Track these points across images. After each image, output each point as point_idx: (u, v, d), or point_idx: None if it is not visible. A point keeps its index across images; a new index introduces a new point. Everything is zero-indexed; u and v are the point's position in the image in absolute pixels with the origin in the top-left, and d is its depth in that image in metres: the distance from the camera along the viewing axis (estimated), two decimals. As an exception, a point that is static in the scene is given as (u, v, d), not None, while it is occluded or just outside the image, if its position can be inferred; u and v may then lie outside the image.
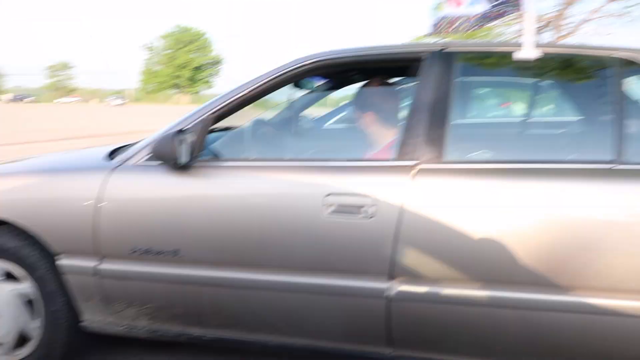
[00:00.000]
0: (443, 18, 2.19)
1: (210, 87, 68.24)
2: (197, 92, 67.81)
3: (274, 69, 1.94)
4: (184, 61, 63.46)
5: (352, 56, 1.96)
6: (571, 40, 18.31)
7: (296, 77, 1.97)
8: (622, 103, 1.65)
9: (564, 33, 18.27)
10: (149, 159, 1.89)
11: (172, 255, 1.83)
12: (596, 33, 18.38)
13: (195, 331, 1.93)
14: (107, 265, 1.90)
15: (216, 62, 68.08)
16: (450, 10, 2.16)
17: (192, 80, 66.22)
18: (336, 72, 2.81)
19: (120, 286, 1.92)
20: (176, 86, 66.34)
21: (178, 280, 1.85)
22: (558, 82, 2.35)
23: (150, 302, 1.91)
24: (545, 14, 17.54)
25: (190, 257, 1.83)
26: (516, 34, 18.51)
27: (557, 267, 1.57)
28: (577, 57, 1.88)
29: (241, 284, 1.81)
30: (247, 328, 1.89)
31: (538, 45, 1.78)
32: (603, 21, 18.29)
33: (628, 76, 1.73)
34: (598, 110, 1.87)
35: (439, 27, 2.20)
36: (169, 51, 64.60)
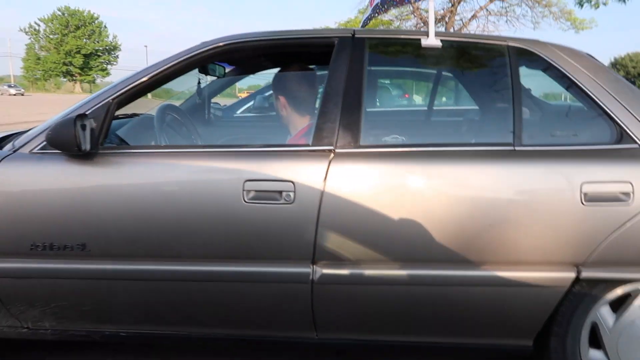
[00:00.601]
0: (367, 18, 2.31)
1: (107, 75, 63.69)
2: (93, 81, 63.01)
3: (182, 52, 1.86)
4: (74, 47, 58.44)
5: (263, 40, 1.93)
6: (463, 35, 19.73)
7: (205, 60, 1.92)
8: (518, 90, 1.79)
9: (454, 29, 19.63)
10: (45, 147, 1.73)
11: (80, 250, 1.70)
12: (483, 30, 20.03)
13: (108, 328, 1.81)
14: (1, 264, 1.72)
15: (113, 49, 63.69)
16: (370, 11, 2.28)
17: (86, 68, 61.27)
18: (245, 57, 2.77)
19: (19, 286, 1.75)
20: (68, 74, 61.04)
21: (87, 275, 1.72)
22: (459, 70, 2.50)
23: (55, 300, 1.76)
24: (437, 11, 18.74)
25: (99, 251, 1.71)
26: (414, 28, 19.57)
27: (468, 243, 1.67)
28: (475, 46, 2.01)
29: (157, 276, 1.72)
30: (166, 321, 1.81)
31: (439, 34, 1.88)
32: (489, 18, 19.98)
33: (521, 64, 1.87)
34: (497, 96, 2.02)
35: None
36: (56, 36, 59.10)
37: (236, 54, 1.98)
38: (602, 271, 1.68)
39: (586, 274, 1.67)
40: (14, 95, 43.25)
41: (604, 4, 9.41)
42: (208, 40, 1.89)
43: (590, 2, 9.52)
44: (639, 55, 59.83)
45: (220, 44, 1.86)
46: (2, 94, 43.46)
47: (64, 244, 1.70)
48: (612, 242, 1.64)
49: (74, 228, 1.69)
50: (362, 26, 2.37)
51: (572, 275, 1.67)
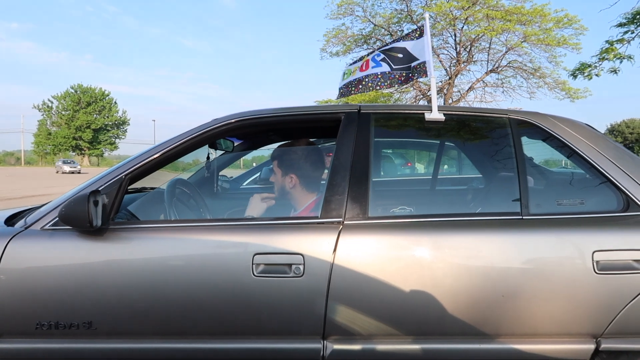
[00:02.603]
0: (352, 81, 2.34)
1: (115, 148, 65.26)
2: (101, 154, 64.50)
3: (193, 129, 1.91)
4: (84, 122, 60.38)
5: (273, 116, 1.99)
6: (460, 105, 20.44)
7: (217, 136, 1.95)
8: (522, 159, 1.83)
9: (452, 100, 20.30)
10: (57, 223, 1.74)
11: (86, 328, 1.67)
12: (481, 100, 20.69)
13: None
14: (5, 345, 1.68)
15: (122, 123, 65.69)
16: (358, 75, 2.32)
17: (95, 142, 62.94)
18: (254, 132, 2.85)
19: None
20: (77, 147, 62.55)
21: (91, 355, 1.68)
22: (463, 141, 2.56)
23: None
24: (437, 83, 19.47)
25: (106, 329, 1.67)
26: (413, 100, 20.22)
27: (482, 315, 1.64)
28: (478, 119, 2.06)
29: (164, 355, 1.68)
30: None
31: (442, 109, 1.95)
32: (486, 90, 20.70)
33: (522, 135, 1.92)
34: (501, 166, 2.05)
35: (348, 90, 2.34)
36: (67, 112, 61.25)
37: (247, 130, 2.03)
38: (623, 342, 1.63)
39: (606, 345, 1.62)
40: (68, 172, 36.53)
41: (597, 75, 9.78)
42: (220, 117, 1.95)
43: (584, 73, 9.91)
44: (634, 122, 61.27)
45: (233, 120, 1.92)
46: (57, 172, 37.88)
47: (70, 322, 1.67)
48: (630, 312, 1.60)
49: (81, 305, 1.67)
50: (345, 86, 2.34)
51: (591, 347, 1.63)
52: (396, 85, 2.31)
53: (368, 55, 2.40)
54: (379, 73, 2.27)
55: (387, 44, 2.33)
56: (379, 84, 2.28)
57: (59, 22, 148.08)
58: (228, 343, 1.67)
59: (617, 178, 1.77)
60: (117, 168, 1.85)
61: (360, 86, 2.30)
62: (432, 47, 2.22)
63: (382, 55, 2.30)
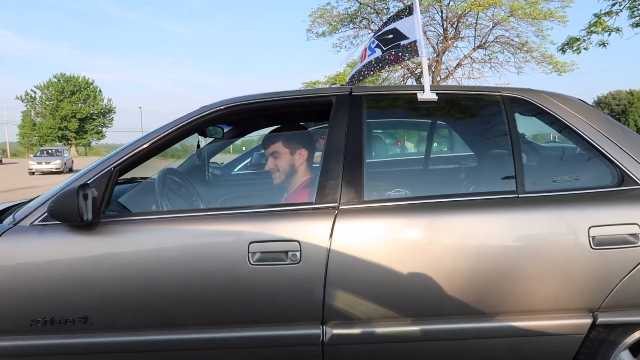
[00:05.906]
0: (354, 74, 2.36)
1: (102, 137, 64.41)
2: (88, 144, 63.67)
3: (182, 117, 1.87)
4: (69, 112, 59.35)
5: (263, 101, 1.95)
6: (449, 82, 20.41)
7: (206, 124, 1.91)
8: (516, 138, 1.81)
9: (440, 77, 20.24)
10: (46, 218, 1.70)
11: (82, 323, 1.65)
12: (469, 77, 20.64)
13: None
14: (0, 343, 1.65)
15: (107, 112, 64.71)
16: (359, 66, 2.34)
17: (82, 132, 62.00)
18: (243, 118, 2.80)
19: None
20: (63, 138, 61.58)
21: (89, 349, 1.66)
22: (456, 121, 2.54)
23: None
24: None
25: (101, 323, 1.66)
26: (401, 78, 20.11)
27: (480, 294, 1.64)
28: (471, 97, 2.04)
29: (162, 346, 1.67)
30: None
31: (435, 88, 1.92)
32: (474, 66, 20.64)
33: (515, 112, 1.90)
34: (496, 145, 2.03)
35: (352, 83, 2.38)
36: (51, 102, 60.11)
37: (237, 116, 1.99)
38: (619, 315, 1.65)
39: (603, 319, 1.64)
40: (40, 173, 21.41)
41: (585, 49, 9.75)
42: (208, 105, 1.91)
43: (572, 48, 9.87)
44: (620, 94, 61.71)
45: (222, 107, 1.87)
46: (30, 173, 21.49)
47: (65, 317, 1.65)
48: (626, 285, 1.62)
49: (76, 300, 1.65)
50: (349, 80, 2.44)
51: (588, 321, 1.64)
52: (387, 67, 2.29)
53: (366, 44, 2.43)
54: (373, 60, 2.29)
55: (379, 30, 2.33)
56: (372, 69, 2.30)
57: (33, 9, 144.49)
58: (226, 332, 1.66)
59: (611, 152, 1.76)
60: (105, 160, 1.81)
61: (361, 77, 2.36)
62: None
63: (376, 42, 2.30)
